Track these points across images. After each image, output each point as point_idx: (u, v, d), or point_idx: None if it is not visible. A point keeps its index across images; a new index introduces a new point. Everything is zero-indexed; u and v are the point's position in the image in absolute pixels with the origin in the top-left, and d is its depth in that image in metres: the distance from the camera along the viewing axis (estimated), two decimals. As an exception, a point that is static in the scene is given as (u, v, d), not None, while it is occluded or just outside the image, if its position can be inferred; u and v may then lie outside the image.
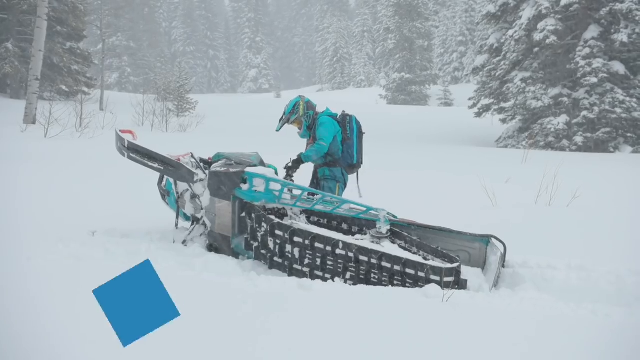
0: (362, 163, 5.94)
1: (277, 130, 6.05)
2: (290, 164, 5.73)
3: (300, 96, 5.99)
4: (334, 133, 5.73)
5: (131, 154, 5.49)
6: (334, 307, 3.63)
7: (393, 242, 5.10)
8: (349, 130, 5.80)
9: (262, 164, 5.62)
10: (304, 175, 6.03)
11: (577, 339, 3.31)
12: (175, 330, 2.96)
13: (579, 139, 17.83)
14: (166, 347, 2.81)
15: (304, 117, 5.84)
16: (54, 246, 4.82)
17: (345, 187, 5.89)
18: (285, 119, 5.88)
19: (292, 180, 5.69)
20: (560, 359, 2.99)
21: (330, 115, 5.85)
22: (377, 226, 5.12)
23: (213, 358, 2.75)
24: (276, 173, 5.58)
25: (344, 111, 5.98)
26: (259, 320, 3.27)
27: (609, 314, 3.85)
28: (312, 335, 3.07)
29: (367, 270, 4.79)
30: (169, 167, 5.46)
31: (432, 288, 4.12)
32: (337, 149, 5.77)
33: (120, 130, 5.69)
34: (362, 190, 5.88)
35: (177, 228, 5.82)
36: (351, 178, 5.96)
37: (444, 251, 4.90)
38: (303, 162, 5.73)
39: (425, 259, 4.82)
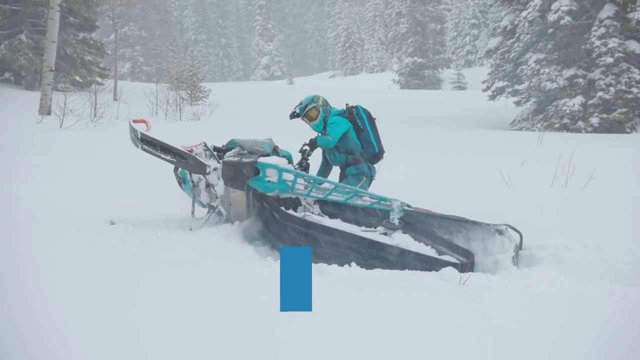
0: (384, 151, 5.88)
1: (291, 117, 5.92)
2: (306, 147, 5.71)
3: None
4: (344, 130, 5.65)
5: (144, 146, 5.43)
6: (351, 290, 3.64)
7: (406, 233, 5.13)
8: (359, 121, 5.73)
9: (275, 151, 5.60)
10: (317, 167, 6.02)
11: (595, 318, 3.30)
12: (200, 315, 2.99)
13: (594, 120, 17.64)
14: (187, 332, 2.83)
15: (322, 107, 5.78)
16: (71, 235, 4.86)
17: (372, 180, 5.85)
18: (303, 106, 5.75)
19: (308, 163, 5.69)
20: (580, 337, 2.98)
21: (338, 114, 5.79)
22: (390, 217, 5.12)
23: (233, 342, 2.78)
24: (291, 159, 5.58)
25: (347, 104, 5.92)
26: (278, 304, 3.28)
27: (627, 294, 3.84)
28: (330, 318, 3.09)
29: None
30: (181, 160, 5.40)
31: (448, 271, 4.15)
32: (355, 145, 5.71)
33: (133, 120, 5.63)
34: (376, 181, 5.87)
35: (193, 215, 5.84)
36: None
37: (458, 244, 4.95)
38: (317, 147, 5.72)
39: (438, 251, 4.89)
